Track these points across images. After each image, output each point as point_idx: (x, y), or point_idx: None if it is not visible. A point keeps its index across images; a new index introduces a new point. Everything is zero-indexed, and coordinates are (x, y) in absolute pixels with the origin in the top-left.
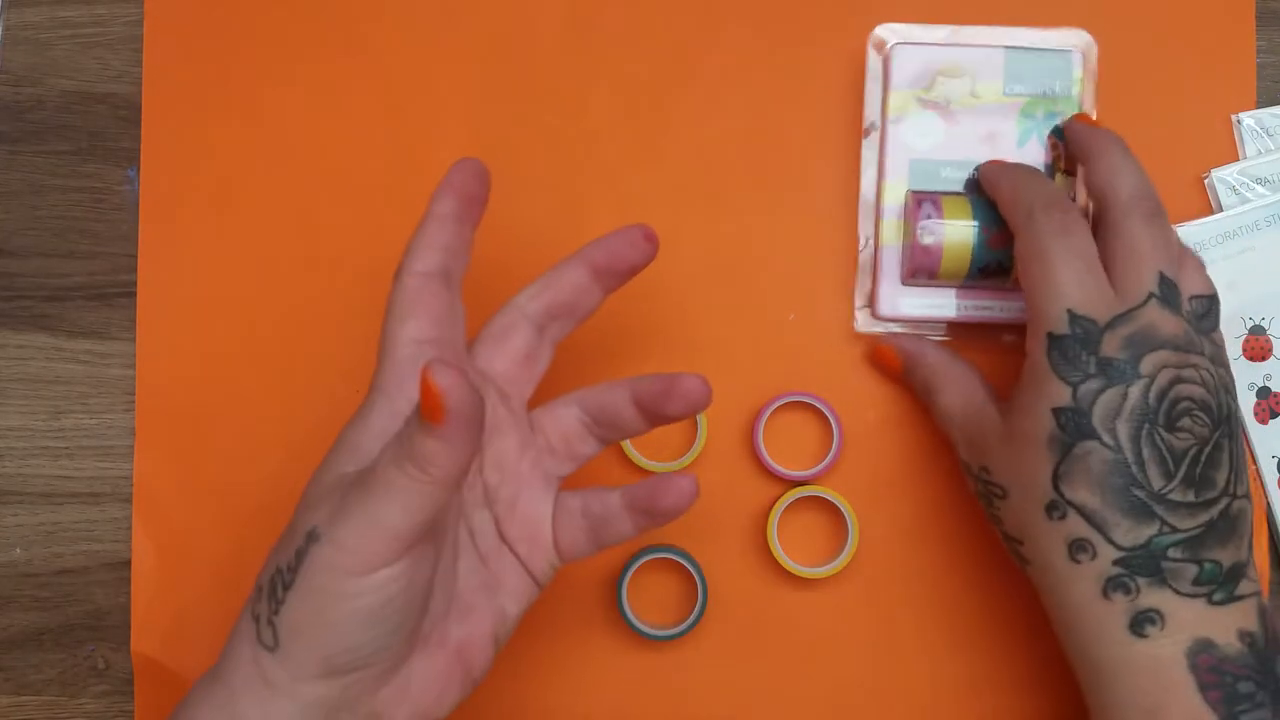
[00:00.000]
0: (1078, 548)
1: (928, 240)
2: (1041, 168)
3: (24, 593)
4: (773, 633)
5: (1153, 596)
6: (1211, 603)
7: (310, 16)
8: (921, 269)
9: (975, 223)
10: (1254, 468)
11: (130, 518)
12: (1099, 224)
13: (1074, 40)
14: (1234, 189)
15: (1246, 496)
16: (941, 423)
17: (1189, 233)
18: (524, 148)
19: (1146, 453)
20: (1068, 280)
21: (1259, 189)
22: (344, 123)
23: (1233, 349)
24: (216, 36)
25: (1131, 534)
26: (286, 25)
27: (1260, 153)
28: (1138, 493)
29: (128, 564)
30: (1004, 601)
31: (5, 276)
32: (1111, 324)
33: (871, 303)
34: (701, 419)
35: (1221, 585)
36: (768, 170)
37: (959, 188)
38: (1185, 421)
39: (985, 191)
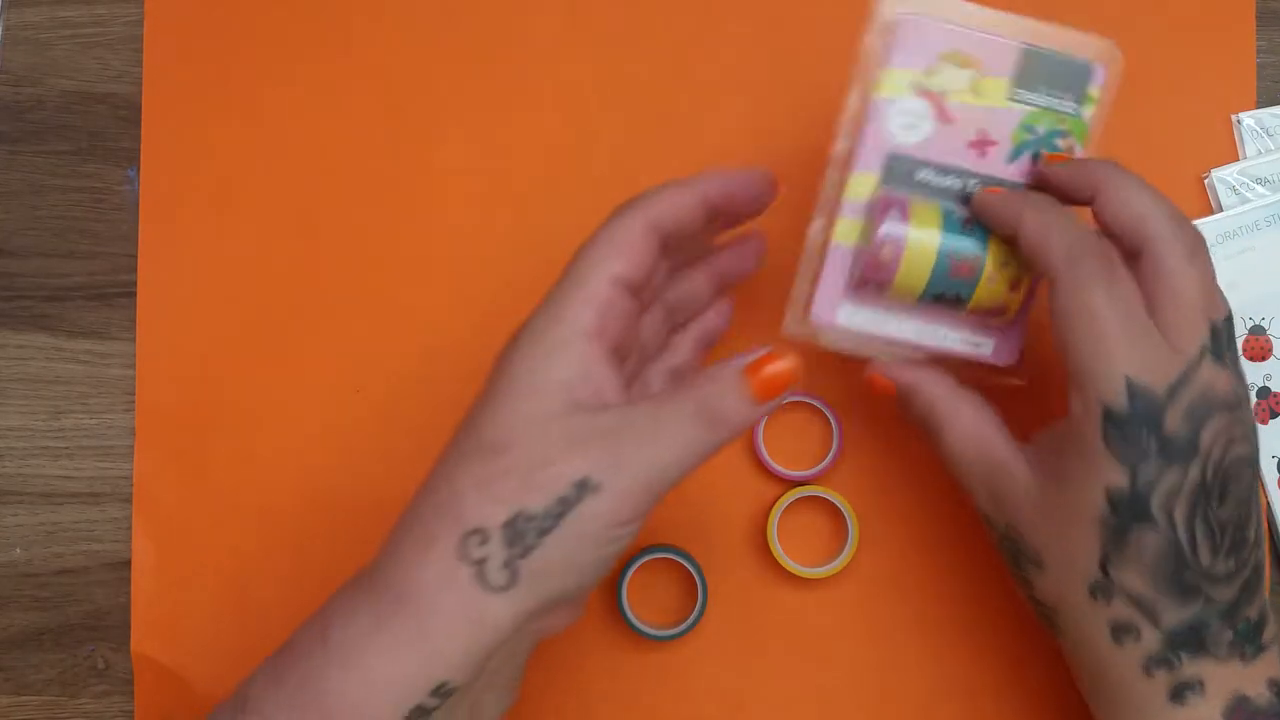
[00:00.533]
0: (1123, 630)
1: (885, 255)
2: (1026, 187)
3: (24, 593)
4: (773, 633)
5: (1194, 668)
6: (1244, 661)
7: (310, 16)
8: (871, 281)
9: (941, 245)
10: None
11: (130, 518)
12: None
13: (1099, 50)
14: (1234, 189)
15: (1263, 541)
16: (949, 465)
17: None
18: (523, 147)
19: (1200, 532)
20: (1121, 340)
21: (1259, 189)
22: (344, 123)
23: None
24: (216, 36)
25: (1178, 615)
26: (286, 25)
27: (1260, 153)
28: (1188, 574)
29: (128, 564)
30: (1004, 602)
31: (5, 276)
32: (1172, 394)
33: (807, 303)
34: None
35: (1251, 640)
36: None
37: (932, 195)
38: (1233, 487)
39: (987, 219)
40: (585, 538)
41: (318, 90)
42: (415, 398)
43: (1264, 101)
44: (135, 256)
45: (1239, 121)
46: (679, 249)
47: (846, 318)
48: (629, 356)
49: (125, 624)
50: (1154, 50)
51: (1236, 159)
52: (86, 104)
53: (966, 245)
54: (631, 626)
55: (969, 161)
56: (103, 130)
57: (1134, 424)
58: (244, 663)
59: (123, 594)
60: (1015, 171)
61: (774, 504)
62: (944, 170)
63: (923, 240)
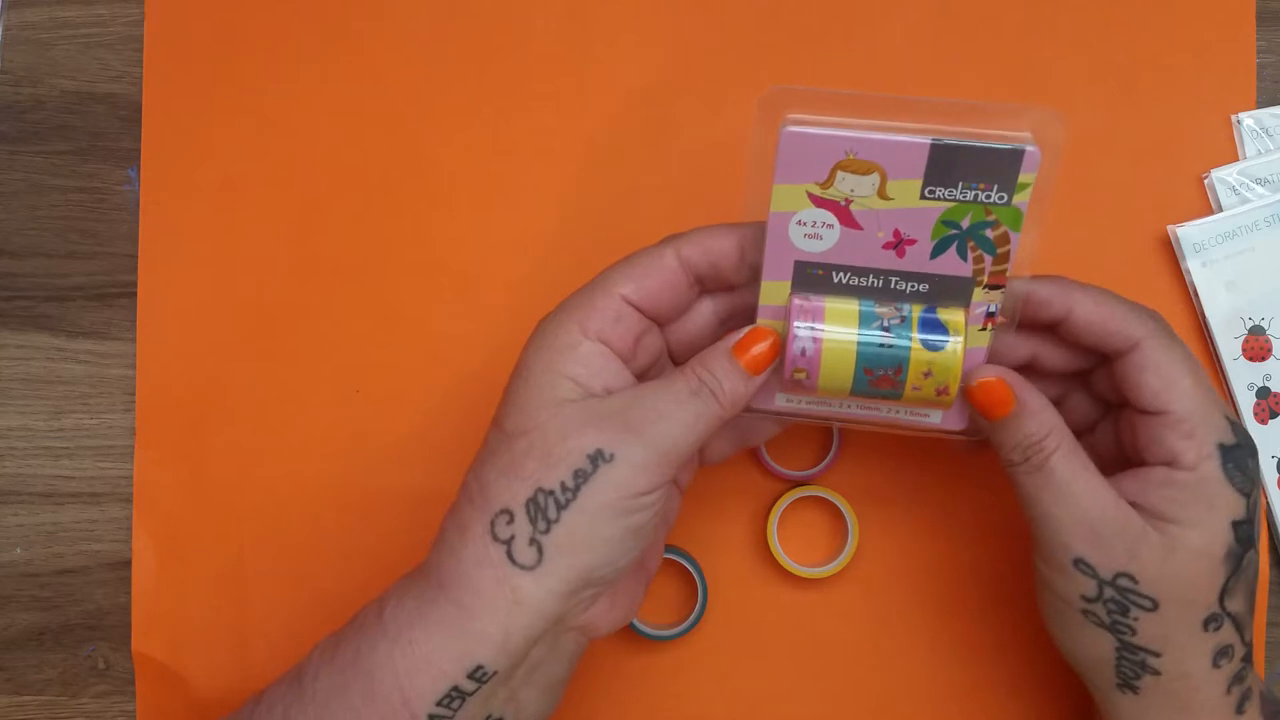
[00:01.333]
0: (1222, 654)
1: (799, 376)
2: (956, 280)
3: (24, 593)
4: (773, 633)
5: (1249, 676)
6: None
7: (310, 16)
8: (795, 390)
9: (859, 356)
10: None
11: (130, 518)
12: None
13: (1036, 121)
14: (1234, 189)
15: None
16: (1052, 518)
17: (1189, 233)
18: (523, 147)
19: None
20: (1212, 391)
21: (1259, 189)
22: (344, 123)
23: (1232, 349)
24: (216, 36)
25: (1250, 628)
26: (287, 25)
27: (1260, 153)
28: (1253, 585)
29: (128, 564)
30: (1003, 601)
31: (5, 276)
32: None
33: None
34: None
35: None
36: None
37: (853, 294)
38: None
39: (1031, 313)
40: (604, 509)
41: (317, 90)
42: (415, 398)
43: (1264, 101)
44: (135, 256)
45: (1239, 121)
46: (721, 284)
47: (784, 402)
48: (644, 361)
49: (125, 624)
50: (1154, 50)
51: (1236, 159)
52: (86, 104)
53: (886, 355)
54: (632, 626)
55: (888, 262)
56: (103, 130)
57: (1242, 454)
58: (244, 663)
59: (123, 594)
60: (940, 268)
61: (774, 504)
62: (861, 272)
63: (838, 355)
